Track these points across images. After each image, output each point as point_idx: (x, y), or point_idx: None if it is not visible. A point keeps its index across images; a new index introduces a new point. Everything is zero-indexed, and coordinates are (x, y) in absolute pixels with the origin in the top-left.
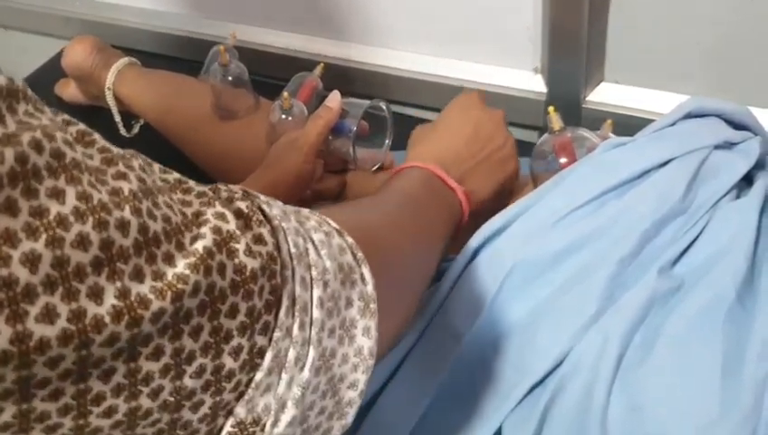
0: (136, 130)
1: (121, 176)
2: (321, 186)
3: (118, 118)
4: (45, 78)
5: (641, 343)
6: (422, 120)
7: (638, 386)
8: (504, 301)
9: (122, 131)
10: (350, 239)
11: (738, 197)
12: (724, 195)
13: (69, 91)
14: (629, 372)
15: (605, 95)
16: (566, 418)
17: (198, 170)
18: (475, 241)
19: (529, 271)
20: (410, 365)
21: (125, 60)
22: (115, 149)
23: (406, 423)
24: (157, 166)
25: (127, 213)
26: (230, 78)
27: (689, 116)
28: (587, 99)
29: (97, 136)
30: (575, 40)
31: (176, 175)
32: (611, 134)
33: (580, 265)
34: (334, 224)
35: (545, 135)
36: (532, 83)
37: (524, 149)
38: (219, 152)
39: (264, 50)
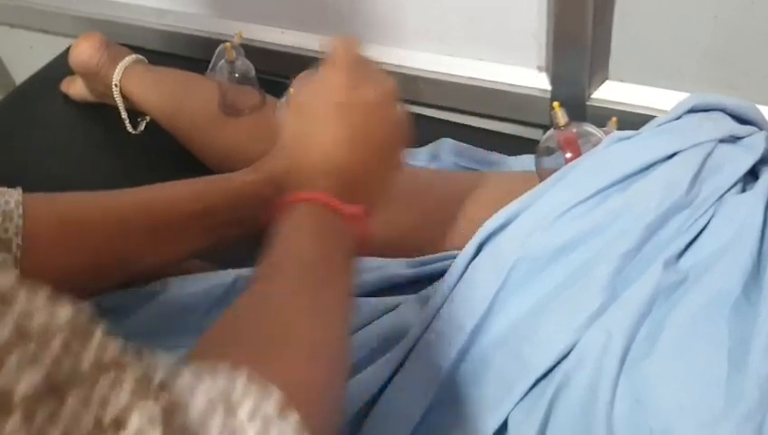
0: (142, 127)
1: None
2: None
3: (124, 115)
4: (52, 75)
5: (646, 337)
6: (427, 119)
7: (643, 380)
8: (508, 295)
9: (129, 128)
10: (293, 419)
11: (743, 191)
12: (729, 189)
13: (76, 88)
14: (634, 366)
15: (609, 93)
16: (571, 411)
17: (204, 167)
18: (478, 236)
19: (533, 265)
20: (415, 359)
21: (132, 57)
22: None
23: (410, 416)
24: (98, 334)
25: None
26: (236, 75)
27: (694, 111)
28: (591, 97)
29: None
30: (579, 38)
31: (115, 348)
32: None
33: (583, 258)
34: (274, 398)
35: (550, 130)
36: (537, 81)
37: (529, 146)
38: (225, 149)
39: (271, 48)
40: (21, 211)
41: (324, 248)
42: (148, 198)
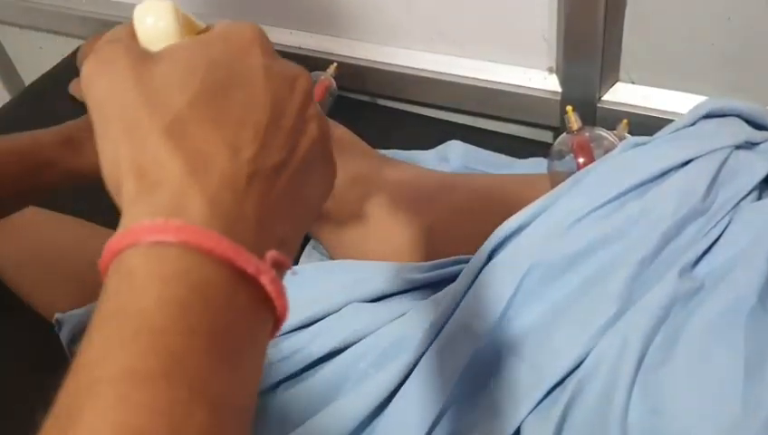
0: None
1: None
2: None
3: None
4: (61, 76)
5: (661, 345)
6: (436, 121)
7: (659, 388)
8: (522, 302)
9: None
10: None
11: (760, 197)
12: (746, 196)
13: None
14: (650, 374)
15: (620, 95)
16: (586, 420)
17: None
18: (491, 241)
19: (547, 272)
20: (426, 365)
21: None
22: None
23: (421, 423)
24: None
25: None
26: None
27: (709, 116)
28: (602, 99)
29: None
30: (590, 40)
31: None
32: (628, 134)
33: (599, 265)
34: None
35: (563, 135)
36: (547, 83)
37: (539, 148)
38: None
39: (278, 49)
40: None
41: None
42: None
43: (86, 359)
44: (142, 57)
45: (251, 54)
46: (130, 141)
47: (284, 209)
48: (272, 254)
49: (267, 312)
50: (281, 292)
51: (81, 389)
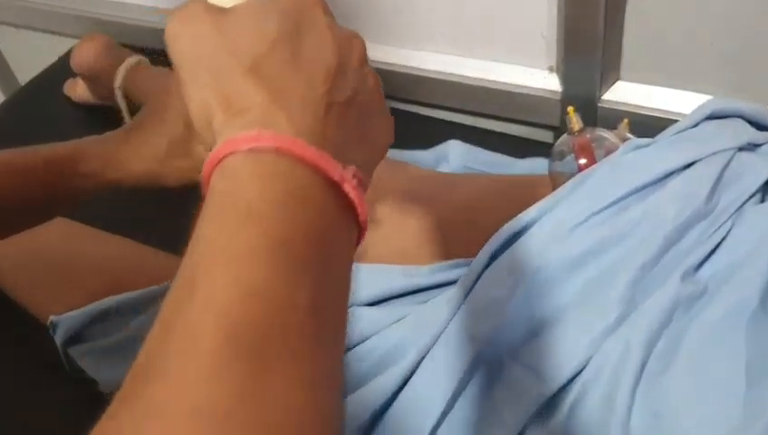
0: None
1: None
2: None
3: (127, 118)
4: (54, 77)
5: (664, 350)
6: (435, 120)
7: (661, 393)
8: (523, 306)
9: None
10: None
11: (763, 200)
12: (749, 198)
13: (78, 90)
14: (652, 379)
15: (621, 94)
16: (588, 424)
17: None
18: (492, 244)
19: (549, 276)
20: (427, 368)
21: (134, 59)
22: None
23: (423, 426)
24: None
25: None
26: None
27: (711, 117)
28: (603, 98)
29: None
30: (591, 38)
31: None
32: (629, 134)
33: (601, 269)
34: None
35: (564, 135)
36: (548, 82)
37: (540, 148)
38: None
39: None
40: None
41: (296, 247)
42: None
43: (202, 243)
44: (220, 12)
45: (315, 10)
46: (218, 83)
47: (355, 141)
48: (352, 167)
49: (351, 221)
50: (362, 200)
51: (200, 266)
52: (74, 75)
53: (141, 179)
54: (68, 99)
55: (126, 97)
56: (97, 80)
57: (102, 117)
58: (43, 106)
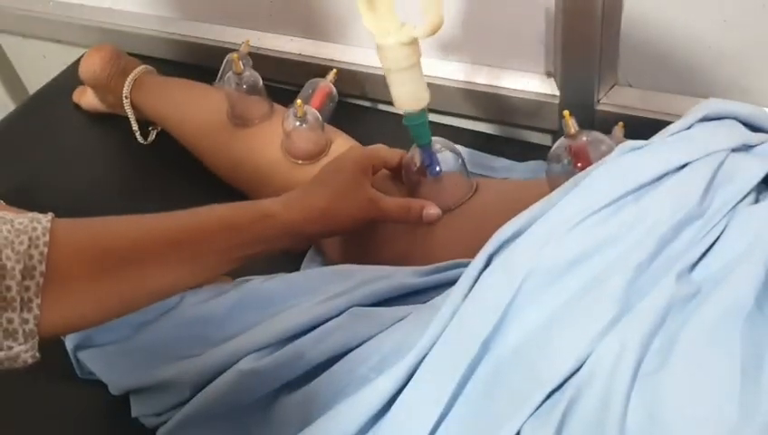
0: (152, 137)
1: None
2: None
3: (135, 126)
4: (64, 86)
5: (659, 350)
6: (433, 125)
7: (656, 393)
8: (519, 308)
9: (139, 139)
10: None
11: (757, 200)
12: (742, 199)
13: (86, 98)
14: (647, 379)
15: (618, 98)
16: (584, 425)
17: (214, 177)
18: (490, 246)
19: (544, 277)
20: (425, 371)
21: (141, 68)
22: None
23: (422, 427)
24: None
25: None
26: (244, 86)
27: (706, 119)
28: (600, 102)
29: None
30: (588, 43)
31: None
32: (624, 137)
33: (596, 270)
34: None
35: (561, 139)
36: (545, 87)
37: (538, 152)
38: (234, 159)
39: (277, 56)
40: (47, 238)
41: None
42: (177, 228)
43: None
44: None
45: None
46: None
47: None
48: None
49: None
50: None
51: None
52: (83, 84)
53: None
54: (77, 107)
55: (134, 106)
56: (105, 89)
57: (111, 125)
58: (51, 115)
